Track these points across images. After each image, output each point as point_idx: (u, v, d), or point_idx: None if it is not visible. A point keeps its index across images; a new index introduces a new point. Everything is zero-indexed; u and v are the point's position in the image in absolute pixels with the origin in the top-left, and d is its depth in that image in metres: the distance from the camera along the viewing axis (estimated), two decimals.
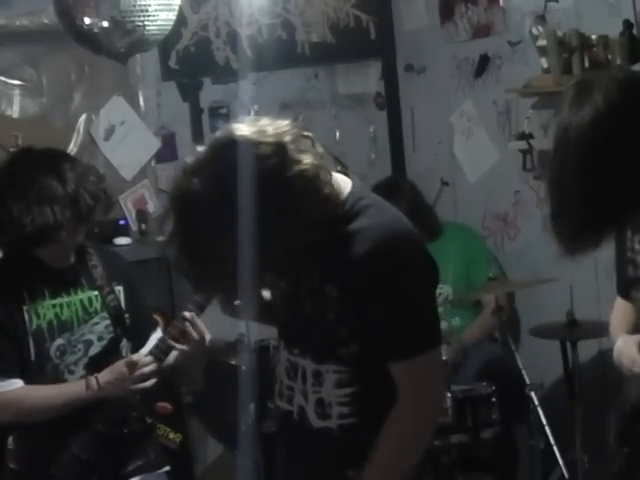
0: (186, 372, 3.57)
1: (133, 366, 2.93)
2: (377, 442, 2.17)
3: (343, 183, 2.19)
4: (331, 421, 2.21)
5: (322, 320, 2.17)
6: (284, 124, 2.11)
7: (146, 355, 2.99)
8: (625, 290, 2.73)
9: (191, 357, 3.02)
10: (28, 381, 2.92)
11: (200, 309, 2.90)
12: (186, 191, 2.04)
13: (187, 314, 2.92)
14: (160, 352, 2.97)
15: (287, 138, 2.06)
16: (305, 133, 2.13)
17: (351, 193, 2.18)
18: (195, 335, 2.92)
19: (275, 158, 2.03)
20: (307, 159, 2.06)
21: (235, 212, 2.00)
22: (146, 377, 2.95)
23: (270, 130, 2.07)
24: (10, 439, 2.94)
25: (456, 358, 4.06)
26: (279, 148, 2.04)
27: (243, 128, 2.08)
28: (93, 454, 2.92)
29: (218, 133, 2.14)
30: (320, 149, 2.14)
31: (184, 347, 2.94)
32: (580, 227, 1.94)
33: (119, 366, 2.94)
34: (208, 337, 2.94)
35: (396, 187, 4.44)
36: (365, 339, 2.15)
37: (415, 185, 4.55)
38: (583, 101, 1.91)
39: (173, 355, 3.02)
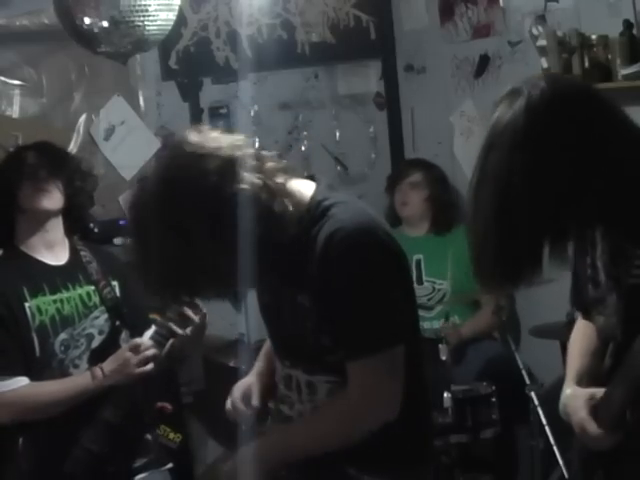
0: (184, 359, 3.54)
1: (137, 348, 2.96)
2: (313, 414, 2.18)
3: (305, 189, 2.16)
4: None
5: (303, 330, 2.16)
6: (239, 139, 2.10)
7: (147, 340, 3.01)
8: (585, 309, 2.26)
9: (191, 341, 3.01)
10: (34, 377, 2.93)
11: None
12: (135, 195, 2.10)
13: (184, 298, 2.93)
14: (161, 337, 2.99)
15: (238, 154, 2.05)
16: (257, 151, 2.12)
17: (312, 197, 2.15)
18: (195, 318, 2.93)
19: (216, 175, 2.01)
20: (251, 178, 2.03)
21: (177, 219, 1.99)
22: (147, 361, 2.97)
23: (224, 143, 2.06)
24: (20, 440, 2.94)
25: (453, 343, 4.02)
26: (226, 164, 2.02)
27: (196, 137, 2.07)
28: (104, 446, 2.92)
29: (175, 138, 2.12)
30: (272, 163, 2.11)
31: (185, 331, 2.95)
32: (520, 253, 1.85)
33: (122, 352, 2.97)
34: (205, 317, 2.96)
35: (429, 164, 4.63)
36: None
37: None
38: (507, 107, 1.87)
39: (170, 343, 3.02)
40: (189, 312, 2.94)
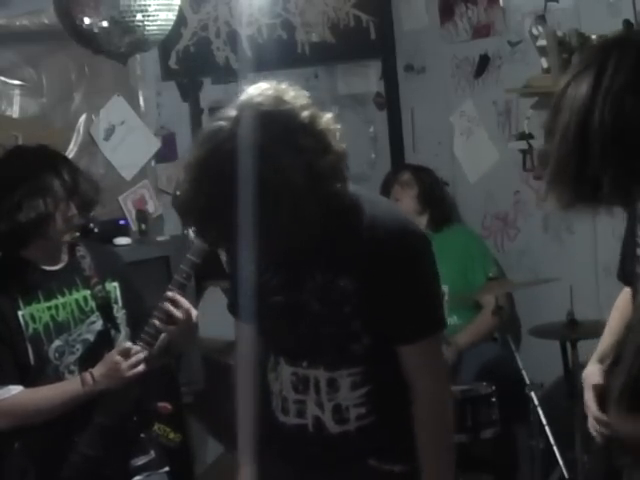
0: (180, 354, 3.53)
1: (127, 353, 2.92)
2: (418, 445, 2.23)
3: None
4: (349, 424, 2.25)
5: (336, 316, 2.18)
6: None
7: (136, 342, 2.97)
8: (629, 273, 2.34)
9: (181, 337, 2.99)
10: (29, 385, 2.90)
11: (181, 288, 2.90)
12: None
13: (169, 294, 2.90)
14: (149, 337, 2.95)
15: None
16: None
17: None
18: (180, 314, 2.90)
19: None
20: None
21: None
22: (138, 364, 2.93)
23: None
24: (16, 446, 2.91)
25: (452, 358, 4.06)
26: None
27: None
28: (100, 449, 2.91)
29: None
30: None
31: (172, 328, 2.91)
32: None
33: (111, 357, 2.92)
34: (194, 313, 2.93)
35: (417, 166, 4.66)
36: (379, 328, 2.19)
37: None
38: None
39: (162, 339, 2.99)
40: (174, 309, 2.90)
